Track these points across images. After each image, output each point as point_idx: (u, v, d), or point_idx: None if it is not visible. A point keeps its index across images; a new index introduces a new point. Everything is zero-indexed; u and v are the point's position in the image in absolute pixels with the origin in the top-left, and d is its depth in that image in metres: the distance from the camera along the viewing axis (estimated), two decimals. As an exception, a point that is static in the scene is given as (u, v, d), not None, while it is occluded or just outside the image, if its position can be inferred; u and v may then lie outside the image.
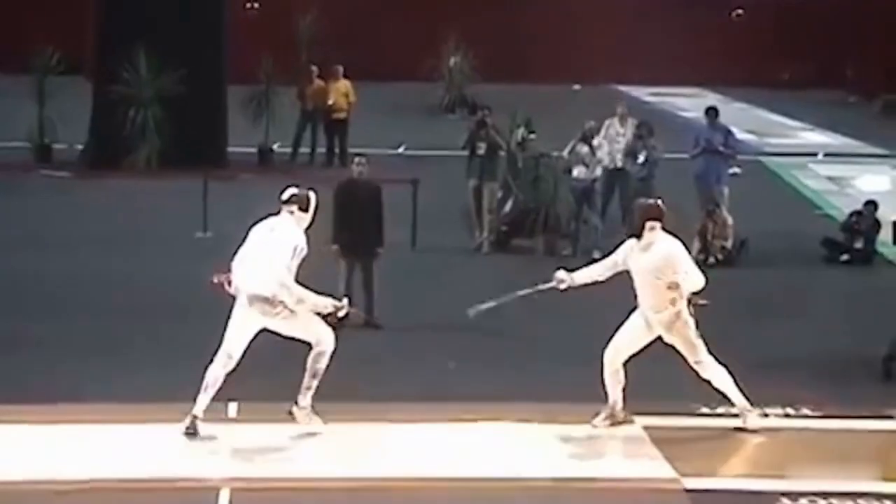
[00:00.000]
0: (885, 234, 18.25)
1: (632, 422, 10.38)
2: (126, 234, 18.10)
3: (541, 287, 10.61)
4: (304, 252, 9.87)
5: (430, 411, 10.60)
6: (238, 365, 9.98)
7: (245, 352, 9.99)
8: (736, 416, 10.51)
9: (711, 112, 18.96)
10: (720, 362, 10.35)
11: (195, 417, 9.86)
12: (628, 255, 10.25)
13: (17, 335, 13.19)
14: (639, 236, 10.18)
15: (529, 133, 18.80)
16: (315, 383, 9.97)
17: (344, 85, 25.16)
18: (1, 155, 23.65)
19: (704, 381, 10.35)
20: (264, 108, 24.67)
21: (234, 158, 23.77)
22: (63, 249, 17.14)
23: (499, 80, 32.01)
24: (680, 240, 10.35)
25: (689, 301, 10.22)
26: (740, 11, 41.44)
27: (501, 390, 11.37)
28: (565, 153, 17.95)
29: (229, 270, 10.08)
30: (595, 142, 18.02)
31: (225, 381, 9.92)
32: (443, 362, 12.59)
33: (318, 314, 10.00)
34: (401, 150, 26.41)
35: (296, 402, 10.04)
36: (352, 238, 13.86)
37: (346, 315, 10.20)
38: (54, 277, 15.70)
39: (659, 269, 10.07)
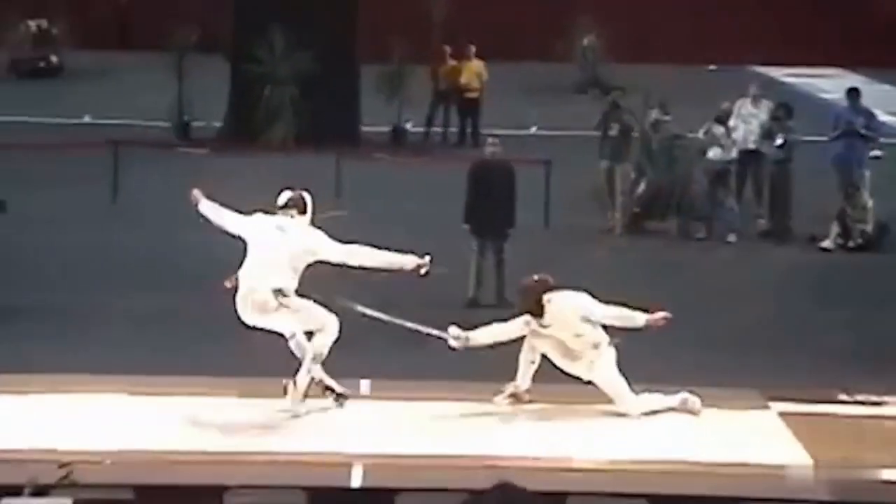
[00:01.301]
0: None
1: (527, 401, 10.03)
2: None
3: (429, 332, 10.08)
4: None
5: (577, 394, 10.47)
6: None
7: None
8: (877, 403, 10.31)
9: (853, 93, 18.55)
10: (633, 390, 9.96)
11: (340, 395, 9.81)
12: (530, 329, 9.75)
13: (157, 308, 13.44)
14: (540, 315, 9.68)
15: (664, 114, 18.59)
16: (316, 368, 9.70)
17: (476, 65, 25.13)
18: (141, 132, 24.08)
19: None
20: (397, 87, 24.76)
21: (367, 137, 23.91)
22: (196, 223, 17.34)
23: (632, 61, 31.72)
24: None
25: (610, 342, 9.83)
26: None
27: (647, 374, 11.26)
28: (700, 134, 17.73)
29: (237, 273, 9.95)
30: (731, 122, 17.77)
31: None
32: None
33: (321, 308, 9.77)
34: (533, 130, 26.32)
35: (293, 382, 9.74)
36: (484, 218, 13.85)
37: (428, 271, 9.79)
38: (185, 251, 15.94)
39: (577, 331, 9.66)
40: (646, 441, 9.67)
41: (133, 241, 16.47)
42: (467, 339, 9.84)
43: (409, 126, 24.88)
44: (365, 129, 24.12)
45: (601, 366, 9.83)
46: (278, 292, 9.56)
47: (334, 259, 9.78)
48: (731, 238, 17.25)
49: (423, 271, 9.81)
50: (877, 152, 19.55)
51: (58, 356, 11.60)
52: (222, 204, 9.91)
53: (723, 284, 13.13)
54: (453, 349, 9.86)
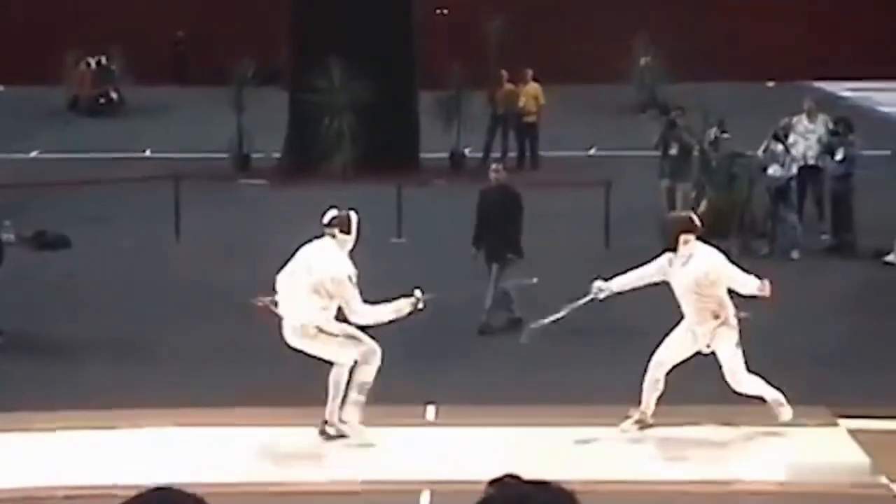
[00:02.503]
0: None
1: (652, 425, 10.15)
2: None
3: (580, 303, 10.47)
4: (356, 275, 9.87)
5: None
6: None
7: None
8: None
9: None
10: (752, 371, 10.04)
11: (325, 422, 9.93)
12: (665, 269, 10.06)
13: (216, 339, 13.54)
14: (674, 249, 9.97)
15: (722, 132, 18.52)
16: (363, 399, 9.87)
17: (533, 88, 25.16)
18: (202, 164, 24.29)
19: (737, 393, 10.09)
20: (455, 112, 24.82)
21: (427, 163, 23.98)
22: (260, 257, 17.47)
23: (690, 80, 31.60)
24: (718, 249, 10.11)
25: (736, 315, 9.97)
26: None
27: (710, 394, 11.20)
28: (759, 152, 17.65)
29: (273, 294, 10.02)
30: (790, 139, 17.67)
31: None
32: (635, 365, 12.47)
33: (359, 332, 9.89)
34: (592, 151, 26.29)
35: (342, 420, 9.89)
36: (488, 243, 13.93)
37: (424, 306, 10.01)
38: (251, 284, 16.02)
39: (698, 283, 9.88)
40: (719, 458, 9.63)
41: (197, 275, 16.58)
42: (610, 289, 10.29)
43: (467, 151, 24.93)
44: (424, 155, 24.19)
45: (722, 336, 10.01)
46: (304, 327, 9.76)
47: (342, 306, 9.86)
48: (795, 254, 17.14)
49: (420, 306, 10.01)
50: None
51: (121, 389, 11.70)
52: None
53: (789, 301, 13.00)
54: (602, 300, 10.28)
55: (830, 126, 18.10)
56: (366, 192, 20.65)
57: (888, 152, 18.45)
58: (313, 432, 10.14)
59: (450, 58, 25.90)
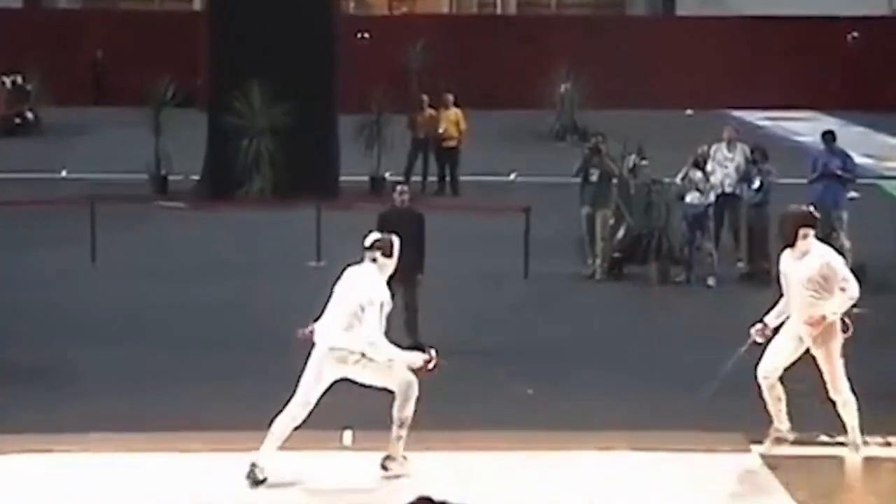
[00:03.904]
0: None
1: (791, 440, 10.20)
2: (240, 264, 18.29)
3: (744, 348, 10.41)
4: (389, 307, 9.72)
5: (567, 440, 10.46)
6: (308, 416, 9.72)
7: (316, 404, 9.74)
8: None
9: (828, 136, 18.64)
10: (854, 392, 10.11)
11: (254, 466, 9.62)
12: (784, 265, 10.05)
13: (132, 364, 13.39)
14: (792, 245, 9.97)
15: (641, 159, 18.66)
16: (404, 432, 9.74)
17: (454, 113, 25.22)
18: (119, 186, 24.07)
19: (830, 400, 10.12)
20: (376, 136, 24.81)
21: (347, 187, 23.93)
22: (178, 279, 17.37)
23: (609, 107, 31.88)
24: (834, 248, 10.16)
25: (843, 320, 10.02)
26: (856, 34, 40.84)
27: (627, 419, 11.25)
28: (678, 179, 17.79)
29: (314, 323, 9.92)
30: (708, 167, 17.85)
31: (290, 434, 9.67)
32: (562, 391, 12.50)
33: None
34: (512, 177, 26.39)
35: (388, 456, 9.80)
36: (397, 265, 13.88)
37: (435, 367, 9.85)
38: (168, 307, 15.91)
39: (813, 279, 9.89)
40: (631, 484, 9.66)
41: (113, 299, 16.40)
42: (766, 325, 10.16)
43: (388, 175, 24.92)
44: (344, 179, 24.14)
45: (826, 340, 9.98)
46: (350, 353, 9.61)
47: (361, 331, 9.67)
48: (711, 282, 17.29)
49: (430, 367, 9.79)
50: (854, 194, 19.64)
51: (33, 413, 11.52)
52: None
53: (703, 328, 13.13)
54: (760, 343, 10.17)
55: (748, 155, 18.30)
56: (285, 216, 20.63)
57: (804, 180, 18.68)
58: (227, 457, 10.01)
59: (371, 82, 25.90)
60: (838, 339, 9.99)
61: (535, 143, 31.89)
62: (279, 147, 22.91)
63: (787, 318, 10.23)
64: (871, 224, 19.57)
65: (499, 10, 46.51)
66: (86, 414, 11.50)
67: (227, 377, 13.00)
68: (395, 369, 9.70)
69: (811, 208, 10.23)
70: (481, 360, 13.38)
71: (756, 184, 17.78)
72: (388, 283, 13.63)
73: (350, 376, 9.78)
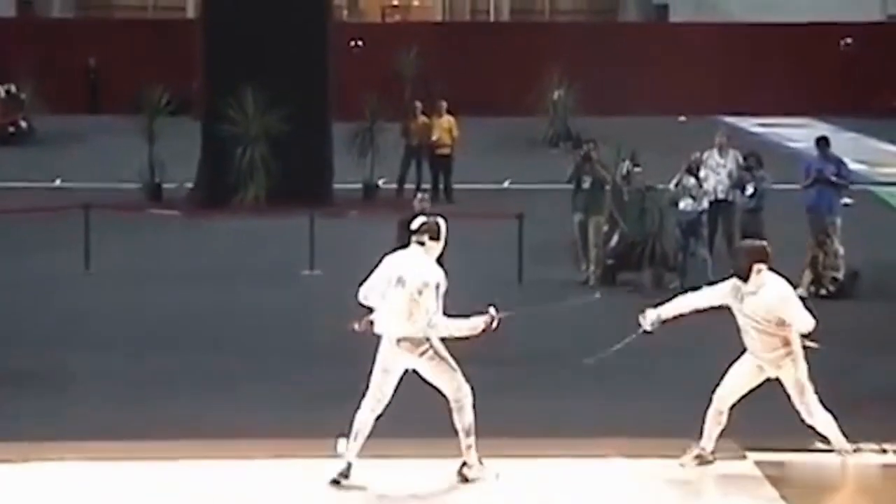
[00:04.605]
0: None
1: (712, 462, 10.16)
2: (234, 272, 18.28)
3: (632, 337, 10.31)
4: (445, 287, 9.62)
5: (543, 447, 10.47)
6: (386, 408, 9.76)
7: (393, 395, 9.77)
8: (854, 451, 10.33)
9: (822, 142, 18.66)
10: (826, 408, 10.09)
11: (349, 465, 9.65)
12: (732, 295, 9.95)
13: (126, 370, 13.38)
14: (745, 279, 9.89)
15: (634, 166, 18.68)
16: (472, 440, 9.74)
17: (447, 121, 25.25)
18: (113, 194, 24.06)
19: (807, 425, 10.10)
20: (369, 144, 24.83)
21: (340, 195, 23.94)
22: (171, 287, 17.37)
23: (603, 113, 31.93)
24: (784, 277, 10.08)
25: (802, 344, 9.97)
26: (849, 40, 40.92)
27: (609, 424, 11.25)
28: (671, 185, 17.81)
29: (369, 313, 9.89)
30: (701, 173, 17.87)
31: (374, 426, 9.71)
32: (550, 395, 12.50)
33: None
34: (506, 184, 26.41)
35: (463, 464, 9.81)
36: None
37: (499, 324, 9.72)
38: (162, 315, 15.90)
39: (766, 317, 9.82)
40: (622, 491, 9.66)
41: (106, 306, 16.39)
42: (658, 316, 10.01)
43: (381, 183, 24.93)
44: (337, 186, 24.16)
45: (792, 368, 9.87)
46: (417, 342, 9.57)
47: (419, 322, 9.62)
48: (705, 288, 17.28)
49: (494, 325, 9.73)
50: (847, 200, 19.68)
51: (26, 420, 11.50)
52: (360, 283, 9.91)
53: (697, 334, 13.12)
54: (649, 332, 10.03)
55: (741, 161, 18.33)
56: (278, 223, 20.64)
57: (797, 186, 18.71)
58: (221, 465, 10.00)
59: (364, 89, 25.93)
60: (801, 365, 9.93)
61: (528, 149, 31.93)
62: (273, 155, 22.92)
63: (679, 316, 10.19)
64: (864, 230, 19.61)
65: (492, 18, 46.59)
66: (80, 421, 11.49)
67: (222, 384, 12.99)
68: (453, 376, 9.69)
69: (765, 243, 10.12)
70: (475, 366, 13.36)
71: (750, 190, 17.80)
72: None
73: (417, 368, 9.73)
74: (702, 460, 10.11)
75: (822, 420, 10.05)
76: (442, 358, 9.67)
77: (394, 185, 24.99)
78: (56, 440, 10.59)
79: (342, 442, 10.48)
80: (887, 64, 39.60)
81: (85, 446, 10.44)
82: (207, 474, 9.93)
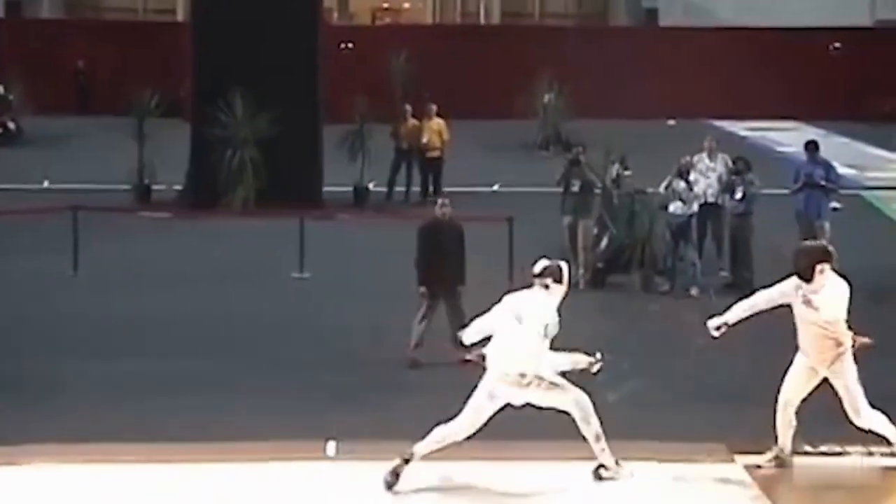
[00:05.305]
0: None
1: (789, 464, 10.23)
2: (223, 275, 18.26)
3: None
4: (556, 330, 9.71)
5: (548, 450, 10.45)
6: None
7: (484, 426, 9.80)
8: (840, 454, 10.37)
9: (811, 146, 18.70)
10: (875, 407, 10.12)
11: (411, 456, 9.72)
12: (792, 294, 10.03)
13: (114, 373, 13.35)
14: (809, 279, 9.94)
15: (624, 169, 18.69)
16: (604, 443, 9.84)
17: (437, 123, 25.25)
18: (103, 196, 24.00)
19: (857, 427, 10.13)
20: (359, 147, 24.81)
21: (330, 197, 23.93)
22: (161, 290, 17.34)
23: (593, 117, 31.95)
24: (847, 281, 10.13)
25: (853, 343, 10.01)
26: (838, 45, 41.01)
27: (610, 428, 11.24)
28: (661, 189, 17.84)
29: (481, 349, 9.90)
30: (691, 177, 17.89)
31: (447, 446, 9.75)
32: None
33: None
34: (496, 187, 26.42)
35: (601, 465, 9.90)
36: (437, 278, 13.95)
37: (600, 370, 9.87)
38: (151, 318, 15.87)
39: (828, 318, 9.88)
40: (616, 494, 9.66)
41: (94, 308, 16.35)
42: (726, 322, 10.18)
43: (371, 185, 24.93)
44: (327, 189, 24.14)
45: (842, 368, 9.95)
46: (523, 376, 9.65)
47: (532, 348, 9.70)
48: (694, 291, 17.32)
49: (594, 369, 9.84)
50: (836, 204, 19.72)
51: (12, 424, 11.48)
52: (469, 321, 10.15)
53: (687, 338, 13.13)
54: (716, 338, 10.18)
55: (730, 164, 18.36)
56: (268, 226, 20.61)
57: (786, 191, 18.74)
58: (209, 468, 9.99)
59: (354, 92, 25.92)
60: (851, 369, 10.00)
61: (518, 153, 31.94)
62: (263, 157, 22.90)
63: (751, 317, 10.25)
64: (853, 234, 19.64)
65: (482, 21, 46.60)
66: (66, 424, 11.47)
67: (212, 387, 12.98)
68: (565, 390, 9.76)
69: (827, 244, 10.23)
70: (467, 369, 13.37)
71: (739, 194, 17.83)
72: (433, 296, 13.76)
73: (529, 400, 9.81)
74: (779, 462, 10.20)
75: (877, 423, 10.11)
76: (549, 382, 9.74)
77: (384, 188, 24.99)
78: (45, 443, 10.57)
79: (332, 445, 10.50)
80: (876, 68, 39.69)
81: (71, 448, 10.42)
82: (204, 476, 9.92)
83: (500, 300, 10.03)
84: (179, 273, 18.44)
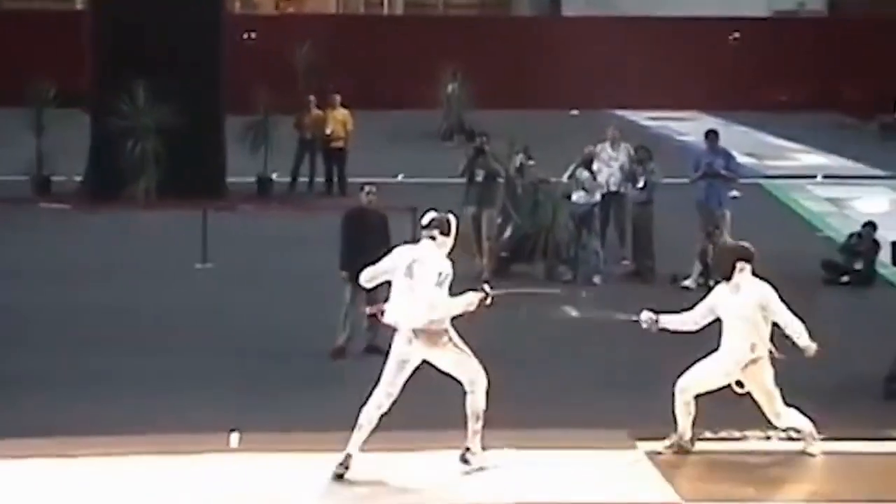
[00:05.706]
0: (884, 255, 18.24)
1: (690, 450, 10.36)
2: (126, 266, 18.09)
3: (627, 317, 10.56)
4: (450, 277, 9.76)
5: (445, 440, 10.49)
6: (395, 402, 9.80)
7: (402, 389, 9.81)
8: (740, 439, 10.55)
9: (711, 135, 18.93)
10: (788, 404, 10.28)
11: (349, 456, 9.71)
12: (716, 303, 10.18)
13: (16, 369, 13.17)
14: (728, 278, 10.08)
15: (528, 159, 18.79)
16: (480, 426, 9.90)
17: (341, 113, 25.20)
18: (0, 188, 23.66)
19: (778, 428, 10.31)
20: (262, 137, 24.68)
21: (233, 188, 23.78)
22: (62, 281, 17.13)
23: (496, 107, 32.04)
24: (769, 283, 10.26)
25: (770, 351, 10.14)
26: (737, 34, 41.52)
27: (509, 417, 11.31)
28: (565, 178, 17.96)
29: (385, 301, 9.92)
30: (594, 166, 18.04)
31: (379, 421, 9.76)
32: (440, 390, 12.53)
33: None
34: (399, 177, 26.42)
35: (467, 449, 9.95)
36: (360, 264, 13.89)
37: (492, 301, 9.91)
38: (53, 310, 15.68)
39: (747, 314, 10.01)
40: (520, 482, 9.74)
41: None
42: (656, 322, 10.29)
43: (275, 176, 24.81)
44: (231, 179, 23.98)
45: (759, 371, 10.06)
46: (438, 334, 9.69)
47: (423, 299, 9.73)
48: (597, 280, 17.48)
49: (488, 302, 9.90)
50: (735, 193, 19.96)
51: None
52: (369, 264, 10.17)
53: (589, 326, 13.25)
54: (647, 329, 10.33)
55: (632, 154, 18.53)
56: (170, 217, 20.44)
57: (686, 180, 18.96)
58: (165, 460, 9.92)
59: (257, 82, 25.76)
60: (770, 371, 10.15)
61: (422, 143, 31.94)
62: (165, 148, 22.67)
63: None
64: (752, 222, 19.90)
65: (386, 11, 46.53)
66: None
67: (114, 380, 12.85)
68: (467, 361, 9.85)
69: (747, 243, 10.39)
70: (374, 359, 13.39)
71: (641, 183, 18.02)
72: (354, 285, 13.72)
73: (433, 360, 9.85)
74: (679, 449, 10.31)
75: (788, 416, 10.28)
76: (460, 347, 9.82)
77: (287, 179, 24.89)
78: None
79: (234, 436, 10.46)
80: (773, 58, 40.24)
81: None
82: (104, 471, 9.84)
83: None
84: (80, 264, 18.23)
